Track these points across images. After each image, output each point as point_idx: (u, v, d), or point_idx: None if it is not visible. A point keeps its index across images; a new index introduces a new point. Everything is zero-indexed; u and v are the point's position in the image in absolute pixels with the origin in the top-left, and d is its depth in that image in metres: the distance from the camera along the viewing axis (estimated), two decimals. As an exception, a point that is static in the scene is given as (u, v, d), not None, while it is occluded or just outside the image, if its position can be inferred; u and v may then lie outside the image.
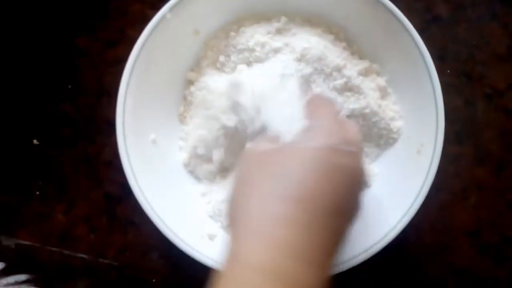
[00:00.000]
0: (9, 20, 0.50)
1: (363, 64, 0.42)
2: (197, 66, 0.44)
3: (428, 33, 0.48)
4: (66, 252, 0.46)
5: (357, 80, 0.41)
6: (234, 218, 0.29)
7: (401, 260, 0.44)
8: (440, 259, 0.44)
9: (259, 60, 0.41)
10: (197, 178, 0.43)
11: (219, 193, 0.42)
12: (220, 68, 0.44)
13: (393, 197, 0.39)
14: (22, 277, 0.46)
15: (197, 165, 0.43)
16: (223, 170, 0.43)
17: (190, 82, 0.44)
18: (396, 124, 0.42)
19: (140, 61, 0.40)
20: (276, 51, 0.41)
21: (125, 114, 0.39)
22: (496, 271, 0.44)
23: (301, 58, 0.39)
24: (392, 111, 0.42)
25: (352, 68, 0.41)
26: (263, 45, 0.41)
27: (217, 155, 0.41)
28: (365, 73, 0.42)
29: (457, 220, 0.45)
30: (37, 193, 0.48)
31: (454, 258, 0.44)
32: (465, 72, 0.47)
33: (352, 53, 0.43)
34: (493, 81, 0.47)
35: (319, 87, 0.40)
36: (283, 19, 0.42)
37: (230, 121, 0.37)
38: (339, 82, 0.40)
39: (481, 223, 0.45)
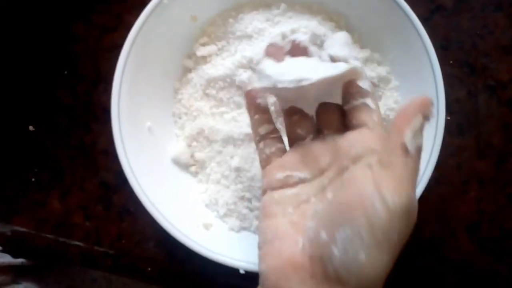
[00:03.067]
0: (5, 6, 0.49)
1: (364, 53, 0.42)
2: (194, 53, 0.43)
3: (432, 23, 0.47)
4: (62, 239, 0.46)
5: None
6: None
7: (399, 253, 0.44)
8: (439, 252, 0.44)
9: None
10: (193, 167, 0.43)
11: (215, 182, 0.42)
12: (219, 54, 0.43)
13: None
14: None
15: (193, 153, 0.43)
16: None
17: (187, 69, 0.44)
18: (396, 115, 0.41)
19: (136, 47, 0.39)
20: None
21: (121, 102, 0.38)
22: (495, 265, 0.44)
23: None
24: (392, 101, 0.41)
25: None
26: (261, 32, 0.40)
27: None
28: (365, 62, 0.42)
29: (457, 213, 0.44)
30: (33, 180, 0.47)
31: (453, 252, 0.44)
32: (468, 63, 0.46)
33: (353, 42, 0.43)
34: (497, 72, 0.46)
35: None
36: (283, 6, 0.41)
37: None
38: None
39: (481, 216, 0.44)
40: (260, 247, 0.28)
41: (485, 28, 0.47)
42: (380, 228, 0.23)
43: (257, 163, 0.40)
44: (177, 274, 0.45)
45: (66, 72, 0.48)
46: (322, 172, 0.29)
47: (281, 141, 0.33)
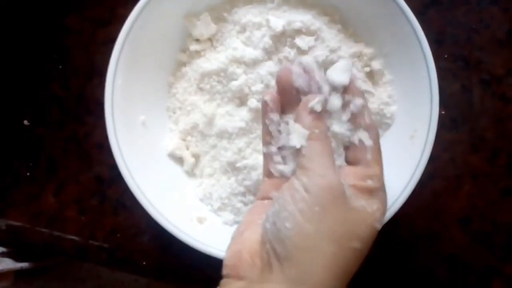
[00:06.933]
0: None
1: (358, 47, 0.41)
2: (188, 47, 0.43)
3: (426, 16, 0.47)
4: (57, 233, 0.46)
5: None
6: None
7: (393, 247, 0.44)
8: (432, 246, 0.44)
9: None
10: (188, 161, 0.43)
11: (209, 176, 0.42)
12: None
13: (385, 182, 0.39)
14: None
15: (188, 148, 0.43)
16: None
17: (181, 63, 0.44)
18: (390, 109, 0.41)
19: (130, 41, 0.39)
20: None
21: (114, 96, 0.38)
22: (487, 259, 0.44)
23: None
24: (386, 95, 0.41)
25: (347, 51, 0.40)
26: (255, 26, 0.40)
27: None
28: (359, 56, 0.41)
29: (450, 207, 0.45)
30: (28, 174, 0.47)
31: (446, 246, 0.44)
32: (462, 57, 0.46)
33: (348, 36, 0.43)
34: (491, 66, 0.46)
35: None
36: (277, -1, 0.41)
37: None
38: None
39: (474, 210, 0.44)
40: (232, 238, 0.30)
41: (481, 22, 0.47)
42: (301, 200, 0.26)
43: (251, 158, 0.40)
44: (172, 268, 0.45)
45: (60, 66, 0.48)
46: None
47: None
